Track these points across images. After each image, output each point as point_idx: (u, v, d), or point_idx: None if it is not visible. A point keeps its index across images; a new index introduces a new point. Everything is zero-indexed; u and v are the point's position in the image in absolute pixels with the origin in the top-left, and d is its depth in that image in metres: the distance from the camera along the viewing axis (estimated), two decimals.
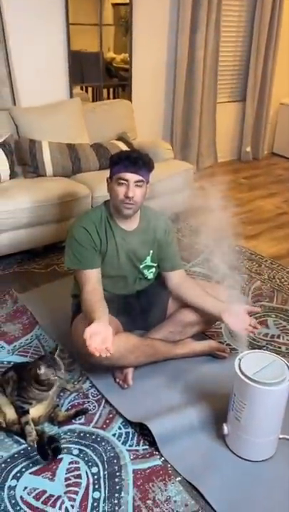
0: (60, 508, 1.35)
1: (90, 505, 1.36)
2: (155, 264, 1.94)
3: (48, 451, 1.47)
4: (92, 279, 1.78)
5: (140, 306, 1.99)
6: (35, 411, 1.60)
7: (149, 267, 1.93)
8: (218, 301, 1.87)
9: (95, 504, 1.37)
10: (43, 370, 1.53)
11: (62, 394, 1.75)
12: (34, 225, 2.64)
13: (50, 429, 1.62)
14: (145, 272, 1.93)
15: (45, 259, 2.79)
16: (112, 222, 1.84)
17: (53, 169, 2.93)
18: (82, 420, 1.66)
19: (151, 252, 1.90)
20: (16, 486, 1.42)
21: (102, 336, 1.55)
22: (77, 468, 1.48)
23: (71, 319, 1.91)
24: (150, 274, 1.95)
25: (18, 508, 1.35)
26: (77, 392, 1.78)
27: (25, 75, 3.24)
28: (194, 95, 4.19)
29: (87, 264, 1.79)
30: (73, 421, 1.65)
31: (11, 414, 1.58)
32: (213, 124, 4.54)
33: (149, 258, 1.91)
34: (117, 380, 1.83)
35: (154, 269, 1.95)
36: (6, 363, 1.92)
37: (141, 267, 1.91)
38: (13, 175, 2.85)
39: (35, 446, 1.53)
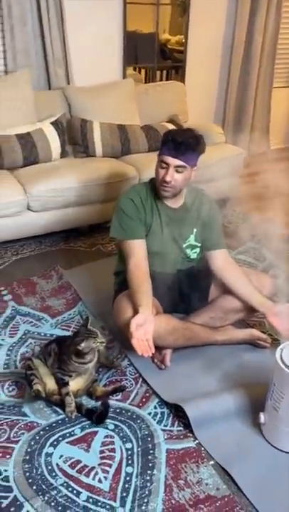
0: (93, 479, 1.39)
1: (122, 478, 1.39)
2: (199, 244, 1.91)
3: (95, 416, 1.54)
4: (138, 251, 1.79)
5: (181, 289, 1.98)
6: (75, 384, 1.64)
7: (192, 247, 1.91)
8: (263, 298, 1.84)
9: (128, 478, 1.39)
10: (83, 345, 1.56)
11: (100, 370, 1.78)
12: (81, 204, 2.68)
13: (87, 403, 1.65)
14: (188, 251, 1.91)
15: (90, 239, 2.83)
16: (158, 199, 1.84)
17: (102, 149, 2.95)
18: (119, 397, 1.69)
19: (194, 230, 1.88)
20: (52, 453, 1.47)
21: (144, 328, 1.59)
22: (112, 443, 1.51)
23: (113, 297, 1.93)
24: (193, 254, 1.93)
25: (54, 474, 1.40)
26: (116, 369, 1.81)
27: (80, 55, 3.26)
28: (249, 79, 4.07)
29: (132, 234, 1.80)
30: (110, 397, 1.68)
31: (51, 384, 1.63)
32: (267, 109, 4.39)
33: (192, 237, 1.89)
34: (155, 360, 1.84)
35: (197, 250, 1.93)
36: (49, 336, 1.97)
37: (184, 245, 1.90)
38: (63, 154, 2.89)
39: (73, 417, 1.57)
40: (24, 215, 2.56)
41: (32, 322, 2.07)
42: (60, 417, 1.59)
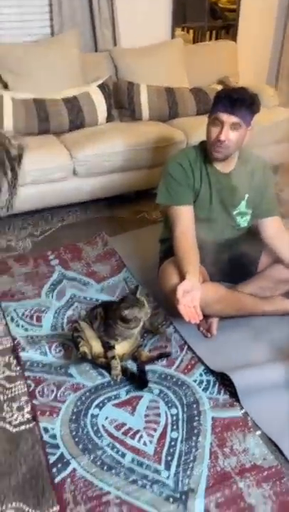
0: (138, 441, 1.39)
1: (167, 443, 1.39)
2: (249, 211, 1.83)
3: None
4: (185, 217, 1.73)
5: (230, 257, 1.91)
6: (120, 348, 1.64)
7: (242, 214, 1.83)
8: None
9: (173, 443, 1.39)
10: (127, 312, 1.55)
11: (145, 335, 1.77)
12: (127, 170, 2.63)
13: (132, 367, 1.65)
14: (238, 218, 1.84)
15: (135, 206, 2.78)
16: (208, 163, 1.76)
17: (149, 113, 2.87)
18: (164, 363, 1.67)
19: (246, 196, 1.80)
20: (98, 414, 1.48)
21: (192, 295, 1.55)
22: (157, 407, 1.50)
23: (158, 264, 1.90)
24: (243, 221, 1.85)
25: (99, 434, 1.41)
26: (161, 335, 1.79)
27: (127, 16, 3.12)
28: None
29: (180, 200, 1.75)
30: (155, 362, 1.67)
31: (97, 347, 1.64)
32: None
33: (243, 203, 1.81)
34: (201, 328, 1.81)
35: (247, 217, 1.85)
36: (95, 300, 1.98)
37: (234, 213, 1.82)
38: (110, 118, 2.83)
39: (118, 380, 1.58)
40: (70, 180, 2.54)
41: (78, 287, 2.08)
42: (106, 379, 1.60)
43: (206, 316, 1.76)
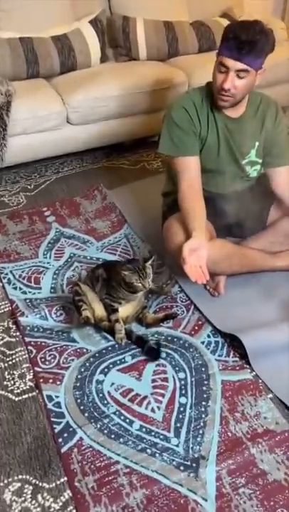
0: (146, 408, 1.35)
1: (176, 409, 1.34)
2: (260, 161, 1.69)
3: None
4: (191, 169, 1.60)
5: (237, 211, 1.79)
6: (124, 310, 1.56)
7: (252, 164, 1.69)
8: None
9: (182, 409, 1.34)
10: (127, 274, 1.45)
11: (150, 296, 1.69)
12: (124, 116, 2.44)
13: (137, 330, 1.58)
14: (247, 168, 1.70)
15: (134, 155, 2.62)
16: (215, 108, 1.59)
17: (146, 51, 2.63)
18: (170, 324, 1.60)
19: (256, 144, 1.65)
20: (103, 380, 1.43)
21: (198, 254, 1.46)
22: (164, 372, 1.44)
23: (162, 219, 1.78)
24: (253, 171, 1.71)
25: (105, 402, 1.36)
26: (166, 295, 1.71)
27: None
28: None
29: (185, 150, 1.60)
30: (161, 324, 1.59)
31: (99, 310, 1.56)
32: None
33: (253, 152, 1.66)
34: (208, 287, 1.72)
35: (258, 167, 1.71)
36: (95, 260, 1.88)
37: (243, 162, 1.68)
38: (104, 58, 2.60)
39: (123, 344, 1.51)
40: (63, 128, 2.36)
41: (77, 245, 1.97)
42: (110, 343, 1.54)
43: (213, 275, 1.67)
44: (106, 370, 1.46)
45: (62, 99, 2.31)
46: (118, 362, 1.48)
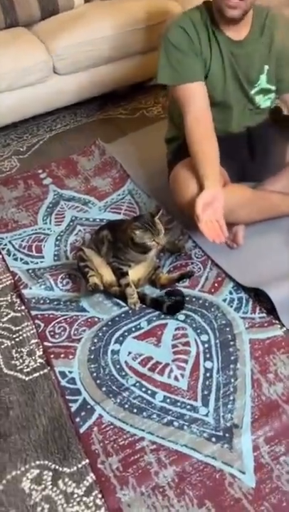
0: (169, 376, 1.22)
1: (201, 375, 1.22)
2: (273, 87, 1.48)
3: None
4: (196, 98, 1.40)
5: (251, 151, 1.61)
6: (135, 273, 1.42)
7: (264, 92, 1.49)
8: None
9: (208, 375, 1.21)
10: (138, 234, 1.30)
11: (162, 254, 1.54)
12: (117, 59, 2.21)
13: (151, 293, 1.44)
14: (257, 99, 1.49)
15: (131, 103, 2.40)
16: (216, 29, 1.38)
17: None
18: (187, 283, 1.45)
19: (266, 68, 1.44)
20: (119, 350, 1.30)
21: (213, 207, 1.29)
22: (185, 335, 1.31)
23: (168, 170, 1.61)
24: (265, 101, 1.51)
25: (123, 373, 1.24)
26: (179, 252, 1.56)
27: None
28: None
29: (187, 75, 1.40)
30: (177, 284, 1.45)
31: (108, 275, 1.41)
32: None
33: (263, 78, 1.45)
34: (225, 239, 1.56)
35: (271, 95, 1.50)
36: (99, 221, 1.72)
37: (252, 92, 1.48)
38: None
39: (136, 309, 1.38)
40: (51, 80, 2.14)
41: (78, 207, 1.81)
42: (123, 309, 1.40)
43: (230, 225, 1.50)
44: (121, 338, 1.33)
45: (47, 47, 2.08)
46: (133, 329, 1.35)
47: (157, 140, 1.75)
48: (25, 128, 2.29)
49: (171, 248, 1.55)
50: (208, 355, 1.26)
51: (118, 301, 1.42)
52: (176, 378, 1.22)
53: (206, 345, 1.28)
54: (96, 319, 1.39)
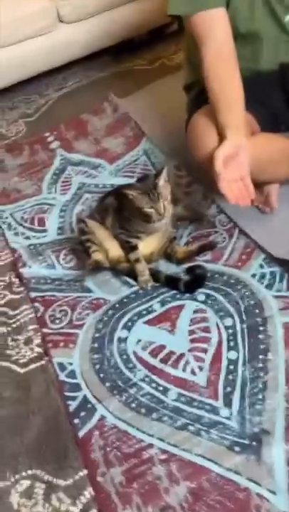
0: (184, 370, 1.02)
1: (224, 368, 1.00)
2: None
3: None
4: (217, 29, 1.14)
5: (286, 93, 1.32)
6: (146, 246, 1.20)
7: None
8: None
9: (231, 367, 1.00)
10: (134, 196, 1.08)
11: (179, 224, 1.31)
12: (130, 1, 1.93)
13: (166, 269, 1.23)
14: None
15: (149, 52, 2.12)
16: None
17: None
18: (208, 257, 1.23)
19: None
20: (127, 337, 1.11)
21: (237, 162, 1.05)
22: (205, 319, 1.10)
23: (186, 122, 1.36)
24: None
25: (131, 365, 1.05)
26: (200, 220, 1.33)
27: None
28: None
29: (204, 0, 1.13)
30: (196, 258, 1.23)
31: (114, 250, 1.21)
32: None
33: None
34: (256, 202, 1.30)
35: None
36: (109, 187, 1.51)
37: (287, 18, 1.18)
38: None
39: (148, 288, 1.17)
40: (57, 30, 1.91)
41: (86, 172, 1.61)
42: (133, 289, 1.20)
43: (261, 185, 1.25)
44: (130, 323, 1.13)
45: None
46: (144, 312, 1.15)
47: (178, 91, 1.50)
48: (33, 88, 2.09)
49: (190, 215, 1.33)
50: (232, 344, 1.04)
51: (128, 279, 1.22)
52: (193, 372, 1.01)
53: (230, 331, 1.06)
54: (102, 301, 1.20)
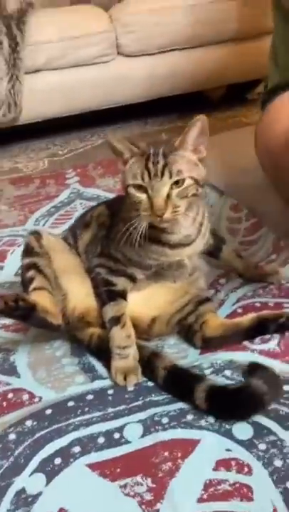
0: None
1: None
2: None
3: None
4: None
5: None
6: (145, 301, 0.59)
7: None
8: None
9: None
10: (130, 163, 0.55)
11: (220, 281, 0.68)
12: (200, 43, 1.54)
13: (181, 356, 0.57)
14: None
15: (226, 112, 1.69)
16: None
17: None
18: (273, 344, 0.57)
19: None
20: (39, 495, 0.43)
21: None
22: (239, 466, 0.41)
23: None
24: None
25: None
26: (264, 280, 0.69)
27: None
28: None
29: None
30: (249, 343, 0.57)
31: (79, 295, 0.60)
32: None
33: None
34: None
35: None
36: None
37: None
38: None
39: (130, 387, 0.53)
40: (112, 61, 1.55)
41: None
42: (100, 383, 0.55)
43: None
44: (56, 463, 0.46)
45: (109, 15, 1.52)
46: (102, 441, 0.48)
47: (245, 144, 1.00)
48: (75, 134, 1.69)
49: (247, 273, 0.69)
50: None
51: (93, 360, 0.58)
52: None
53: None
54: (27, 396, 0.55)
